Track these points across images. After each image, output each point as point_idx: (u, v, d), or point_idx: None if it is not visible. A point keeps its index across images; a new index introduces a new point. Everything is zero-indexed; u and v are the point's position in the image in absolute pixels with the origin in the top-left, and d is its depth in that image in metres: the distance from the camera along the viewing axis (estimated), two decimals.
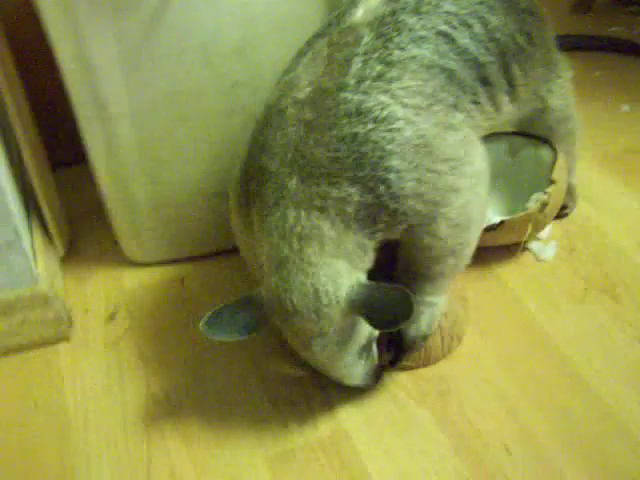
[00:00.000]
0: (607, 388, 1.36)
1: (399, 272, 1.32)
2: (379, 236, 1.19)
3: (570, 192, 1.65)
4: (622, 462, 1.26)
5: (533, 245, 1.61)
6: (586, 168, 1.79)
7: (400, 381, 1.40)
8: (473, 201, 1.25)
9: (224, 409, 1.36)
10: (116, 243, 1.65)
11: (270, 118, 1.22)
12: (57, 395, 1.41)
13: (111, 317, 1.53)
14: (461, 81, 1.24)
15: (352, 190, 1.14)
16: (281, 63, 1.30)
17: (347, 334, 1.22)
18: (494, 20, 1.28)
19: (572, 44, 2.04)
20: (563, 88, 1.52)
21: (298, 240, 1.15)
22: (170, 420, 1.35)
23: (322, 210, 1.15)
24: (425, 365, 1.41)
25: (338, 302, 1.16)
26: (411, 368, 1.41)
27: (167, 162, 1.46)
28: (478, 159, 1.27)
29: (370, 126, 1.14)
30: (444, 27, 1.22)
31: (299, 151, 1.16)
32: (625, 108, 1.98)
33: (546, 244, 1.61)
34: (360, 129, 1.13)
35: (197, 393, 1.39)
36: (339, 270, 1.16)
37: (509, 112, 1.39)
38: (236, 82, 1.39)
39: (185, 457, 1.30)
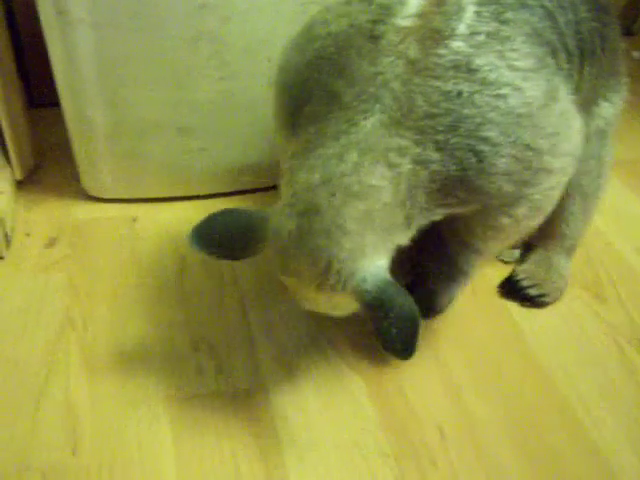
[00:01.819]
0: (569, 383, 1.16)
1: (448, 237, 1.13)
2: (441, 211, 0.99)
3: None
4: (570, 459, 1.06)
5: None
6: None
7: (336, 343, 1.21)
8: (561, 183, 1.06)
9: (141, 347, 1.19)
10: (78, 180, 1.53)
11: (357, 41, 0.97)
12: None
13: (51, 243, 1.38)
14: (558, 59, 1.04)
15: (436, 156, 0.93)
16: None
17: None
18: (582, 10, 1.08)
19: None
20: (618, 105, 1.27)
21: (343, 193, 0.92)
22: (79, 351, 1.18)
23: (393, 167, 0.93)
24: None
25: (344, 288, 0.93)
26: None
27: (127, 83, 1.32)
28: (576, 134, 1.06)
29: (476, 87, 0.93)
30: (548, 3, 1.02)
31: (391, 90, 0.93)
32: None
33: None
34: (465, 88, 0.93)
35: (117, 327, 1.22)
36: (366, 249, 0.93)
37: None
38: (204, 4, 1.24)
39: (85, 391, 1.12)
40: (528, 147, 0.96)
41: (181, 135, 1.39)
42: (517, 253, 1.38)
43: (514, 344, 1.23)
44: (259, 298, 1.29)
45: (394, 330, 0.90)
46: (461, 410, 1.12)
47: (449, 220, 1.03)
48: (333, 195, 0.91)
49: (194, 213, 1.46)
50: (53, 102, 1.42)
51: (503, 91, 0.94)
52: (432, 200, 0.96)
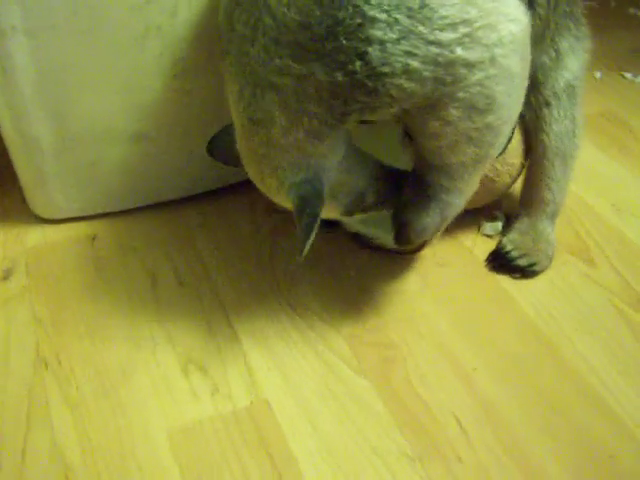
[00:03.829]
0: (578, 354, 1.09)
1: (415, 161, 1.04)
2: (351, 119, 0.92)
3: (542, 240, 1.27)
4: (595, 433, 0.99)
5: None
6: None
7: (335, 345, 1.11)
8: (496, 76, 0.91)
9: (125, 377, 1.07)
10: (24, 201, 1.37)
11: None
12: None
13: (6, 275, 1.23)
14: None
15: (316, 66, 0.86)
16: None
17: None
18: None
19: None
20: (583, 58, 1.19)
21: (251, 123, 0.93)
22: (58, 387, 1.05)
23: (278, 90, 0.89)
24: (417, 251, 1.20)
25: (282, 195, 0.96)
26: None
27: (71, 93, 1.18)
28: (503, 20, 0.90)
29: None
30: None
31: (268, 8, 0.87)
32: (597, 75, 1.75)
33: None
34: None
35: (94, 358, 1.09)
36: (285, 165, 0.94)
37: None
38: None
39: (70, 429, 1.00)
40: (426, 41, 0.85)
41: (136, 142, 1.25)
42: (499, 225, 1.30)
43: (514, 320, 1.16)
44: (242, 306, 1.18)
45: (301, 233, 0.94)
46: (474, 396, 1.04)
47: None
48: (245, 125, 0.95)
49: (158, 223, 1.34)
50: None
51: None
52: (332, 109, 0.89)
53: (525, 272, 1.23)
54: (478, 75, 0.88)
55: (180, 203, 1.37)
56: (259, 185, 1.01)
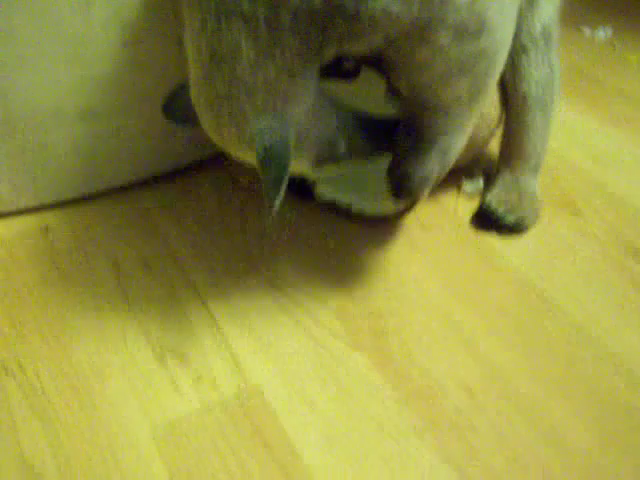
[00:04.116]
0: (580, 307, 1.03)
1: (404, 107, 0.96)
2: (329, 52, 0.83)
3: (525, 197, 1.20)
4: (608, 385, 0.93)
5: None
6: None
7: (324, 320, 1.03)
8: None
9: (95, 374, 0.96)
10: None
11: None
12: None
13: None
14: None
15: None
16: None
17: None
18: None
19: None
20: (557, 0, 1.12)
21: (213, 60, 0.82)
22: (22, 395, 0.94)
23: (247, 19, 0.79)
24: (401, 215, 1.14)
25: (243, 145, 0.85)
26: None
27: (12, 69, 1.06)
28: None
29: None
30: None
31: None
32: None
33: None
34: None
35: (61, 359, 0.98)
36: (249, 108, 0.83)
37: None
38: None
39: (40, 439, 0.88)
40: None
41: (86, 119, 1.14)
42: (481, 183, 1.24)
43: (508, 278, 1.09)
44: (217, 287, 1.08)
45: (268, 188, 0.84)
46: (479, 360, 0.96)
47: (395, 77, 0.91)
48: (207, 63, 0.83)
49: (115, 209, 1.22)
50: None
51: None
52: (310, 40, 0.80)
53: (513, 228, 1.16)
54: None
55: (138, 186, 1.26)
56: (215, 136, 0.90)
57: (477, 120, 1.13)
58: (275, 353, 0.99)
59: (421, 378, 0.94)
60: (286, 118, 0.85)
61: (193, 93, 0.88)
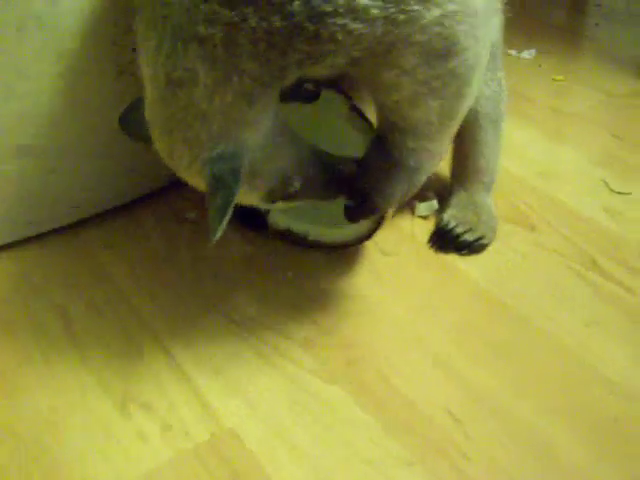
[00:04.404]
0: (550, 321, 1.02)
1: (379, 123, 0.93)
2: (290, 75, 0.79)
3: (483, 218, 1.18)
4: (591, 397, 0.92)
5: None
6: None
7: (292, 355, 0.97)
8: (456, 13, 0.80)
9: (52, 432, 0.87)
10: None
11: None
12: None
13: None
14: None
15: (249, 10, 0.73)
16: None
17: None
18: None
19: None
20: (500, 19, 1.10)
21: (169, 85, 0.78)
22: None
23: (204, 43, 0.75)
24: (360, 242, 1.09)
25: (200, 173, 0.80)
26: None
27: None
28: None
29: None
30: None
31: None
32: None
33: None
34: None
35: (11, 419, 0.89)
36: (204, 136, 0.79)
37: None
38: None
39: None
40: None
41: (22, 156, 1.05)
42: (435, 204, 1.22)
43: (474, 297, 1.07)
44: (175, 328, 1.01)
45: (213, 216, 0.80)
46: (458, 383, 0.93)
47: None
48: (162, 87, 0.79)
49: (57, 251, 1.14)
50: None
51: None
52: (270, 63, 0.77)
53: (472, 247, 1.15)
54: (435, 12, 0.78)
55: (79, 226, 1.18)
56: (166, 159, 0.86)
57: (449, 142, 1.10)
58: (245, 393, 0.92)
59: (403, 407, 0.90)
60: (241, 146, 0.81)
61: (147, 114, 0.84)
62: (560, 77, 1.68)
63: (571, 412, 0.91)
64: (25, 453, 0.85)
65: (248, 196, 0.89)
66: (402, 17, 0.76)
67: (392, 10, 0.75)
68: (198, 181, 0.84)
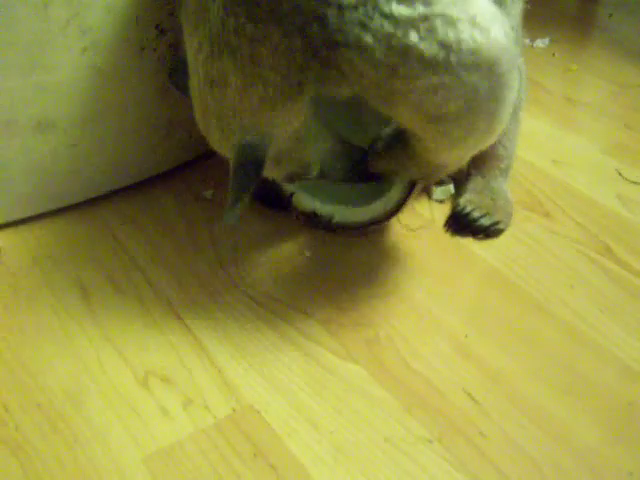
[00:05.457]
0: (565, 306, 1.03)
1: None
2: (308, 91, 0.84)
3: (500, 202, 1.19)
4: (606, 380, 0.93)
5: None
6: None
7: (312, 333, 0.98)
8: (451, 88, 0.81)
9: (73, 403, 0.87)
10: None
11: None
12: None
13: None
14: None
15: (273, 28, 0.79)
16: None
17: None
18: None
19: None
20: (520, 4, 1.11)
21: (207, 81, 0.86)
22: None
23: (234, 52, 0.82)
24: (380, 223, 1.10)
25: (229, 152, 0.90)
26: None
27: None
28: (464, 19, 0.79)
29: None
30: None
31: None
32: None
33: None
34: None
35: (32, 391, 0.89)
36: (233, 126, 0.87)
37: None
38: None
39: (19, 476, 0.80)
40: (382, 13, 0.77)
41: (42, 132, 1.05)
42: (451, 188, 1.22)
43: (492, 281, 1.07)
44: (193, 305, 1.01)
45: (233, 198, 0.88)
46: (476, 364, 0.94)
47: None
48: (201, 82, 0.87)
49: (75, 227, 1.14)
50: None
51: None
52: (290, 78, 0.83)
53: (489, 232, 1.15)
54: (432, 79, 0.79)
55: (97, 202, 1.18)
56: (203, 130, 0.94)
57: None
58: (265, 370, 0.93)
59: (421, 386, 0.91)
60: (268, 138, 0.87)
61: (192, 94, 0.91)
62: (575, 66, 1.68)
63: (586, 395, 0.91)
64: (48, 424, 0.86)
65: (269, 174, 0.95)
66: (403, 71, 0.79)
67: (395, 60, 0.78)
68: (226, 153, 0.92)
